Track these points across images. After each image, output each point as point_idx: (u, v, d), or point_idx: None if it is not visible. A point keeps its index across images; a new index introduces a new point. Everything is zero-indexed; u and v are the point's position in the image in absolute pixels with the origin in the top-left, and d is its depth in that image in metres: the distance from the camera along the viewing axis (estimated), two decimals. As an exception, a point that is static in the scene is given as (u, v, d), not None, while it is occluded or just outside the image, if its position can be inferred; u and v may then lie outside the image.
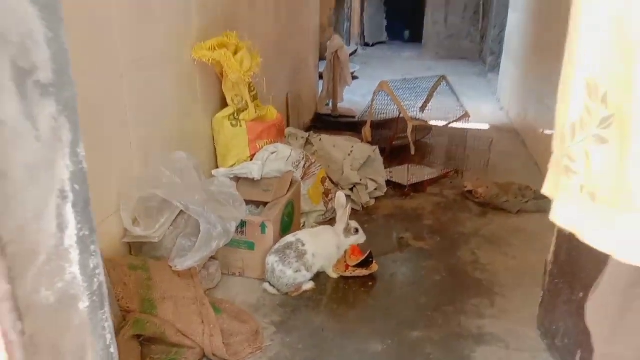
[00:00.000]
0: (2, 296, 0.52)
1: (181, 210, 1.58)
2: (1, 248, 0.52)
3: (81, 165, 0.64)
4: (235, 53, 1.93)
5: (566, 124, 0.71)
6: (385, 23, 7.97)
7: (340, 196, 1.87)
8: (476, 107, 4.20)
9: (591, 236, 0.71)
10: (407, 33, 7.97)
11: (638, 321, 0.80)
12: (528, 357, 1.50)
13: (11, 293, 0.53)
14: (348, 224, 1.86)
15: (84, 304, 0.68)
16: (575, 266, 1.37)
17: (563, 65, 0.70)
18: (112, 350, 0.77)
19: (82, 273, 0.68)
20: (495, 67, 5.34)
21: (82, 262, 0.67)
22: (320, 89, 4.04)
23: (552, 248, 1.47)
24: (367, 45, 7.52)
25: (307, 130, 2.89)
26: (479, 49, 6.53)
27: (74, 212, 0.64)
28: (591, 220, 0.70)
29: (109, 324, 0.74)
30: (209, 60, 1.84)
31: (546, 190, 0.79)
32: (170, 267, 1.50)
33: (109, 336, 0.76)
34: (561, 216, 0.75)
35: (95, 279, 0.69)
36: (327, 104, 3.97)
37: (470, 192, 2.54)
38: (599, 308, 0.87)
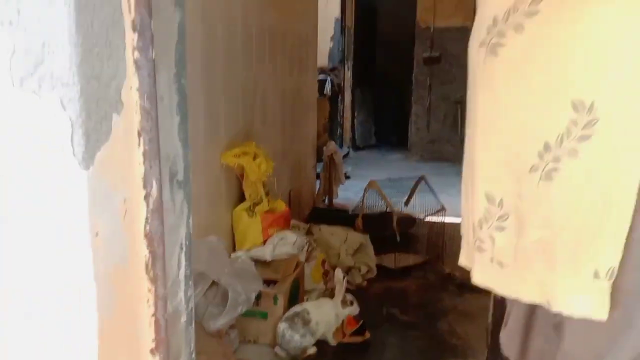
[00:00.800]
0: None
1: (212, 283, 1.97)
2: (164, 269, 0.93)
3: (190, 231, 1.06)
4: (254, 158, 2.43)
5: (475, 219, 1.02)
6: (373, 129, 8.74)
7: (339, 272, 2.27)
8: (456, 203, 4.70)
9: (503, 289, 1.05)
10: (394, 138, 8.70)
11: (537, 339, 1.18)
12: (494, 405, 1.82)
13: (165, 296, 0.93)
14: (345, 297, 2.24)
15: (183, 319, 1.07)
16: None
17: (463, 178, 1.10)
18: (193, 356, 1.14)
19: (184, 298, 1.07)
20: (473, 169, 5.90)
21: (185, 290, 1.07)
22: (318, 187, 4.55)
23: (490, 312, 1.86)
24: (358, 148, 8.20)
25: (307, 222, 3.32)
26: (459, 152, 7.19)
27: (185, 258, 1.06)
28: (502, 279, 1.02)
29: (193, 337, 1.12)
30: (234, 164, 2.33)
31: (461, 262, 1.16)
32: (204, 328, 1.85)
33: (192, 345, 1.13)
34: (480, 279, 1.07)
35: (190, 303, 1.08)
36: (324, 200, 4.46)
37: (449, 275, 2.94)
38: (509, 337, 1.24)
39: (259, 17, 2.92)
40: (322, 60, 6.43)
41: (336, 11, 6.58)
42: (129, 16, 0.80)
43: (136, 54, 0.81)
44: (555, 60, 0.80)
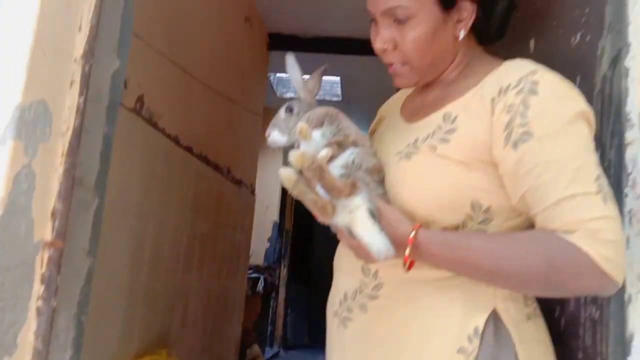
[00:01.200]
0: None
1: None
2: None
3: None
4: (163, 368, 2.42)
5: None
6: (307, 328, 8.66)
7: None
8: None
9: None
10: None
11: None
12: None
13: None
14: None
15: None
16: None
17: None
18: None
19: None
20: None
21: None
22: (237, 393, 4.35)
23: None
24: (289, 348, 8.01)
25: None
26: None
27: None
28: None
29: None
30: (141, 374, 2.31)
31: None
32: None
33: None
34: None
35: None
36: (242, 409, 4.23)
37: None
38: None
39: (191, 226, 3.15)
40: (258, 259, 6.69)
41: (275, 215, 7.09)
42: (39, 271, 0.97)
43: (39, 302, 0.97)
44: (391, 338, 0.95)
